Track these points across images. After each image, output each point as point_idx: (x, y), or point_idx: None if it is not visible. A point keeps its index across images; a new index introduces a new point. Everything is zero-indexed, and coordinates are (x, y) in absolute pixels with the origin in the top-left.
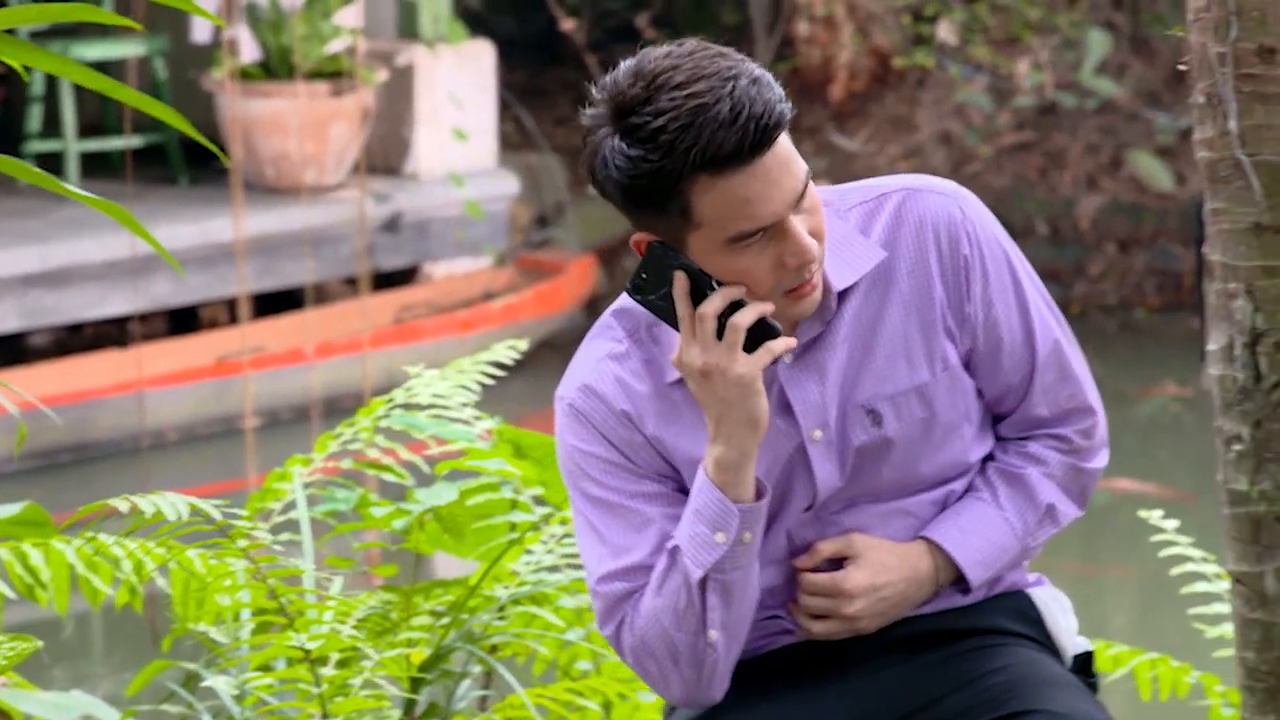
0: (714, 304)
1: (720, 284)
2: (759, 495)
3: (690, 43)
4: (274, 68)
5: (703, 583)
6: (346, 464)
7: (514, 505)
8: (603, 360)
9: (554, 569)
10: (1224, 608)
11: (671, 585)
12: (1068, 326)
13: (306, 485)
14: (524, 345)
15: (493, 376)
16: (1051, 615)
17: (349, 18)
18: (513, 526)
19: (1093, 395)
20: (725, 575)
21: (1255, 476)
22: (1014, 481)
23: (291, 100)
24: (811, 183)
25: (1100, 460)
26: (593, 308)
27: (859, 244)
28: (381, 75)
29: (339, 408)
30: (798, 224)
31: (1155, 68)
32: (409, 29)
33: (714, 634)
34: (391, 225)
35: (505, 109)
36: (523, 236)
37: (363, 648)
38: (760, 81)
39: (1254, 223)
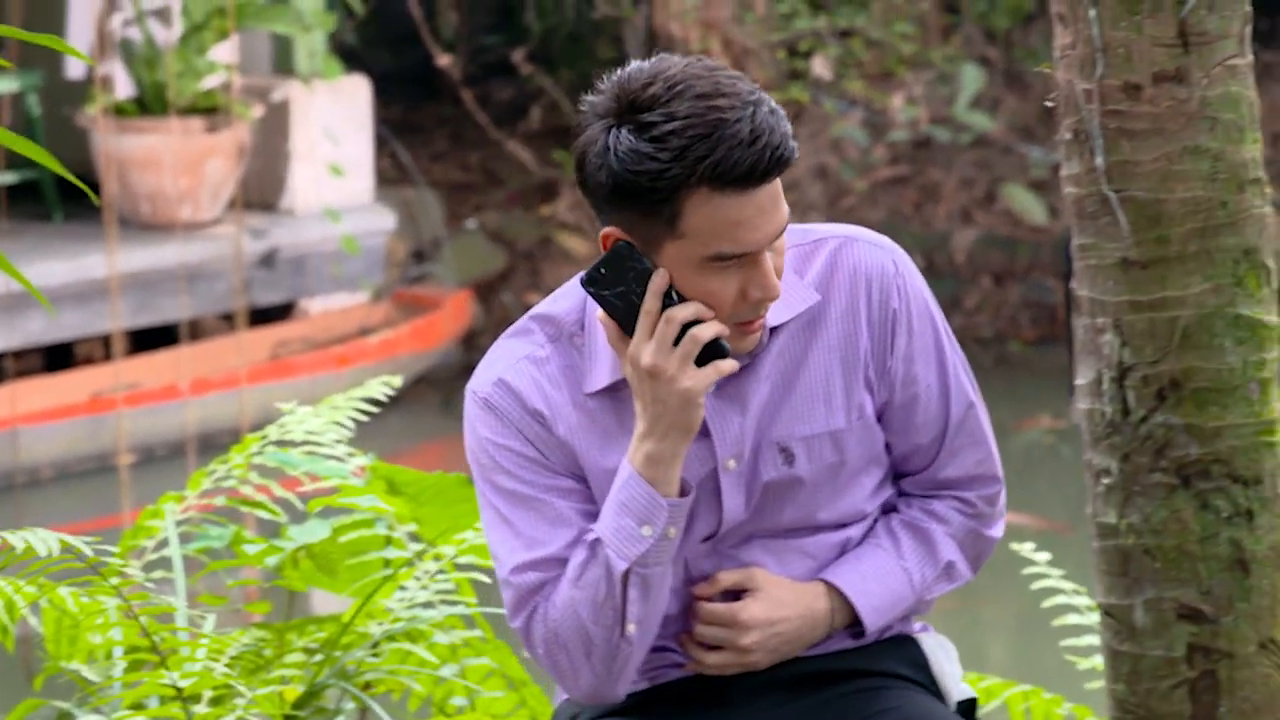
0: (685, 311)
1: (682, 296)
2: (683, 493)
3: (707, 60)
4: (149, 104)
5: (625, 576)
6: (220, 501)
7: (388, 542)
8: (521, 360)
9: (428, 605)
10: (1096, 640)
11: (591, 577)
12: (980, 395)
13: (180, 522)
14: (398, 381)
15: (368, 413)
16: (938, 661)
17: (224, 53)
18: (387, 563)
19: (998, 465)
20: (647, 569)
21: (1124, 510)
22: (917, 535)
23: (166, 136)
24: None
25: (999, 530)
26: (470, 343)
27: (794, 284)
28: (257, 111)
29: (215, 444)
30: (767, 261)
31: (1029, 102)
32: (284, 64)
33: (632, 628)
34: (268, 261)
35: (381, 144)
36: (399, 272)
37: (236, 685)
38: (778, 113)
39: (1121, 258)
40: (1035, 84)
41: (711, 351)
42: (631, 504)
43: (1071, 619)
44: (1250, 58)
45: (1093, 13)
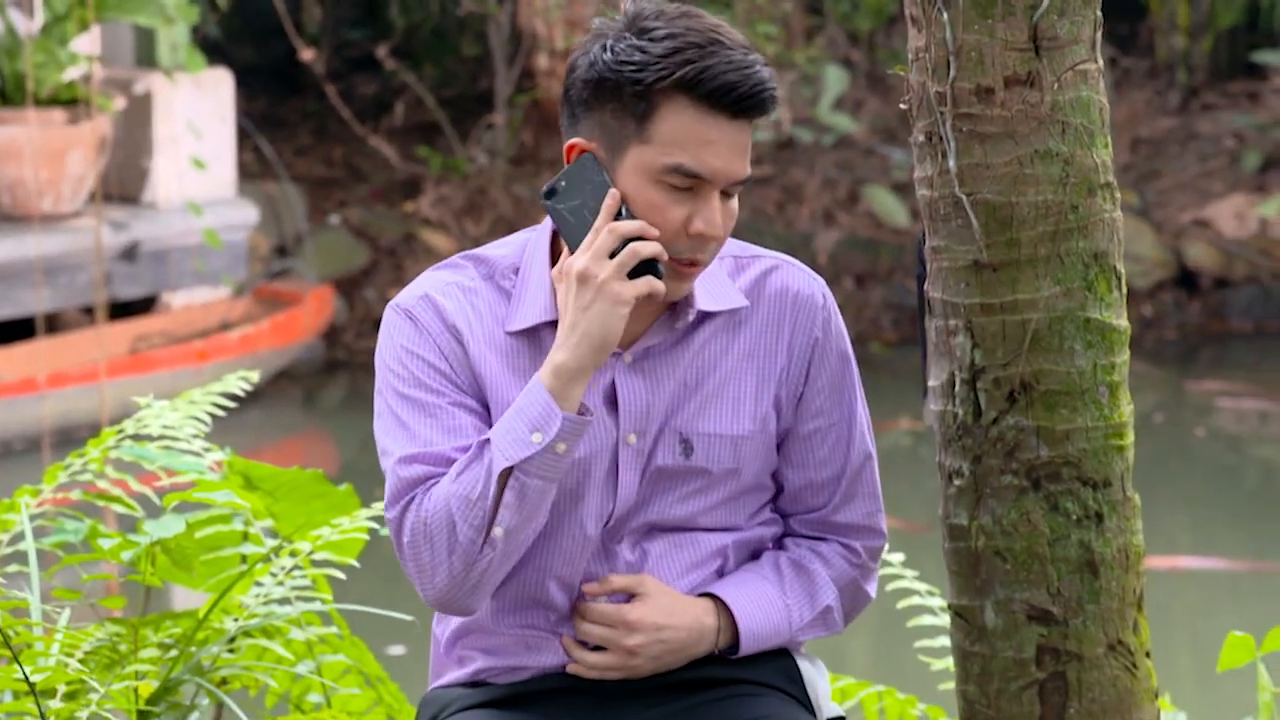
0: (628, 225)
1: (631, 217)
2: (584, 414)
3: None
4: (9, 94)
5: (504, 478)
6: (77, 495)
7: (245, 537)
8: (450, 285)
9: (284, 601)
10: (949, 641)
11: (471, 474)
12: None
13: (35, 516)
14: (255, 377)
15: (227, 408)
16: (810, 678)
17: (86, 45)
18: (243, 558)
19: (884, 522)
20: (529, 478)
21: (975, 511)
22: (801, 573)
23: (27, 127)
24: (737, 200)
25: (873, 589)
26: (331, 338)
27: (725, 284)
28: (119, 103)
29: (72, 438)
30: (719, 202)
31: (891, 104)
32: (147, 57)
33: (499, 531)
34: (129, 254)
35: (245, 138)
36: (262, 267)
37: (90, 681)
38: (772, 74)
39: (973, 260)
40: (897, 86)
41: (647, 272)
42: (527, 409)
43: (926, 620)
44: (1101, 63)
45: (945, 15)
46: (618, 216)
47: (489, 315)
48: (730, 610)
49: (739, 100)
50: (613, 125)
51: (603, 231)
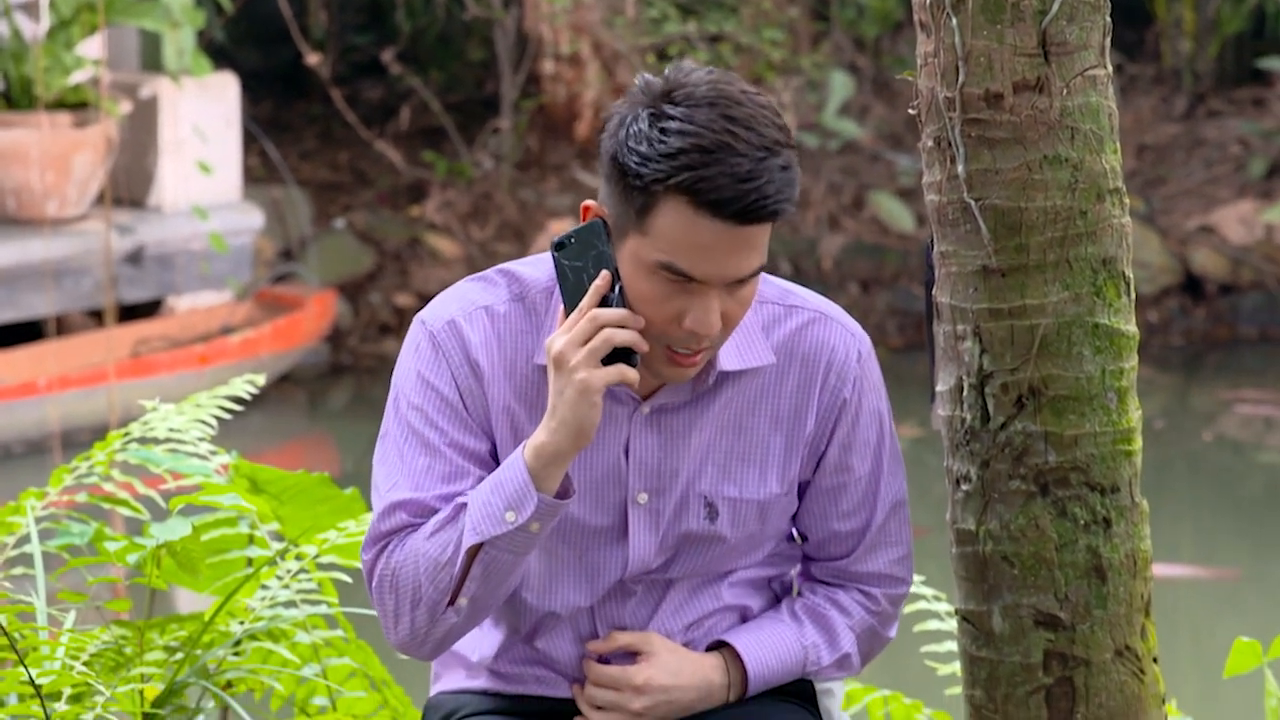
0: (610, 315)
1: (623, 298)
2: (565, 496)
3: (764, 99)
4: (15, 98)
5: (474, 552)
6: (83, 498)
7: (250, 540)
8: (478, 309)
9: (290, 604)
10: (955, 646)
11: (443, 537)
12: (907, 500)
13: (41, 519)
14: (261, 380)
15: (231, 411)
16: (825, 700)
17: (92, 49)
18: (249, 561)
19: (911, 567)
20: (497, 553)
21: (982, 516)
22: (819, 621)
23: (33, 131)
24: (756, 284)
25: (894, 631)
26: (335, 342)
27: (755, 339)
28: (125, 107)
29: (75, 441)
30: (716, 300)
31: (897, 110)
32: (153, 61)
33: (463, 601)
34: (135, 258)
35: (250, 142)
36: (267, 271)
37: (95, 684)
38: (790, 170)
39: (981, 266)
40: (903, 92)
41: (622, 359)
42: (505, 485)
43: (932, 625)
44: (1110, 68)
45: (954, 21)
46: (609, 295)
47: (512, 346)
48: (742, 660)
49: (738, 214)
50: (618, 207)
51: (588, 317)
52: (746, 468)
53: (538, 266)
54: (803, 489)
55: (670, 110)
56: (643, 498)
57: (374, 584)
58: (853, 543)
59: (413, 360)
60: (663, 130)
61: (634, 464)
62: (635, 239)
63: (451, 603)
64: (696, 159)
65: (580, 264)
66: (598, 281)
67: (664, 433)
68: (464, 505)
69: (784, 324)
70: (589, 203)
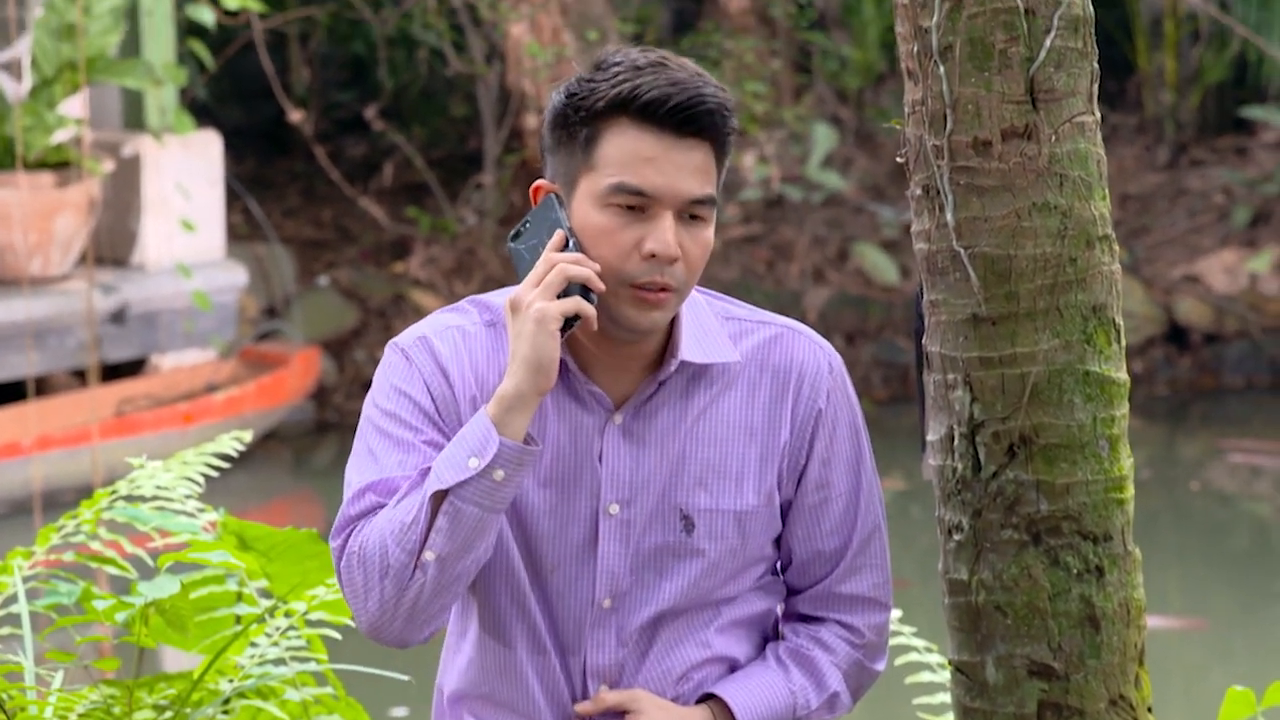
0: (566, 255)
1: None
2: (528, 443)
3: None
4: None
5: (438, 500)
6: (70, 557)
7: (239, 598)
8: (450, 329)
9: (279, 662)
10: (948, 697)
11: (408, 501)
12: (886, 523)
13: (28, 578)
14: (248, 437)
15: (218, 468)
16: None
17: (74, 108)
18: (237, 619)
19: (891, 593)
20: (464, 504)
21: (975, 566)
22: (803, 663)
23: (15, 190)
24: (710, 230)
25: (882, 663)
26: (320, 399)
27: (721, 341)
28: (108, 165)
29: (58, 501)
30: (671, 224)
31: (880, 162)
32: (135, 119)
33: (430, 555)
34: (118, 317)
35: (233, 199)
36: (251, 328)
37: None
38: (727, 98)
39: (971, 314)
40: (886, 144)
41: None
42: (468, 436)
43: (925, 676)
44: (1098, 115)
45: (942, 69)
46: (565, 249)
47: (484, 361)
48: (731, 711)
49: (674, 113)
50: (566, 160)
51: (545, 261)
52: (722, 480)
53: (506, 295)
54: (785, 511)
55: (606, 62)
56: (614, 508)
57: (342, 564)
58: (834, 562)
59: (385, 376)
60: (597, 69)
61: (607, 474)
62: (586, 180)
63: (417, 563)
64: (631, 74)
65: (536, 241)
66: (554, 238)
67: (637, 443)
68: (427, 469)
69: (752, 336)
70: (540, 182)
